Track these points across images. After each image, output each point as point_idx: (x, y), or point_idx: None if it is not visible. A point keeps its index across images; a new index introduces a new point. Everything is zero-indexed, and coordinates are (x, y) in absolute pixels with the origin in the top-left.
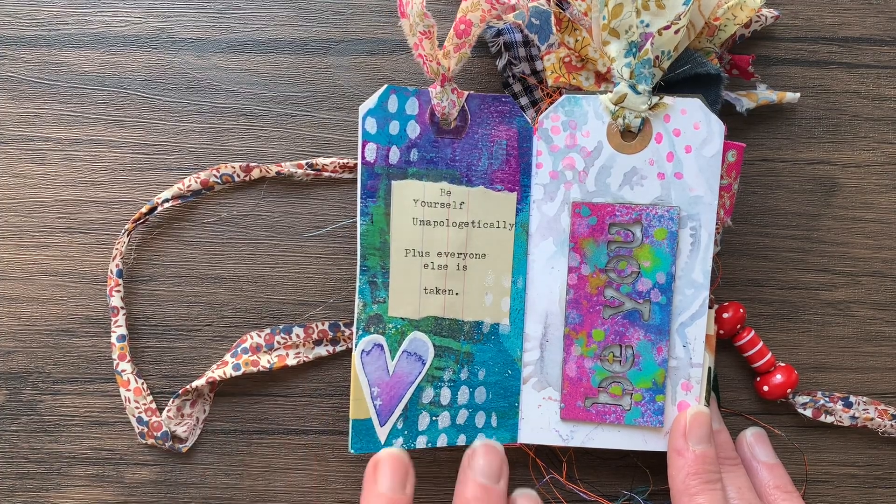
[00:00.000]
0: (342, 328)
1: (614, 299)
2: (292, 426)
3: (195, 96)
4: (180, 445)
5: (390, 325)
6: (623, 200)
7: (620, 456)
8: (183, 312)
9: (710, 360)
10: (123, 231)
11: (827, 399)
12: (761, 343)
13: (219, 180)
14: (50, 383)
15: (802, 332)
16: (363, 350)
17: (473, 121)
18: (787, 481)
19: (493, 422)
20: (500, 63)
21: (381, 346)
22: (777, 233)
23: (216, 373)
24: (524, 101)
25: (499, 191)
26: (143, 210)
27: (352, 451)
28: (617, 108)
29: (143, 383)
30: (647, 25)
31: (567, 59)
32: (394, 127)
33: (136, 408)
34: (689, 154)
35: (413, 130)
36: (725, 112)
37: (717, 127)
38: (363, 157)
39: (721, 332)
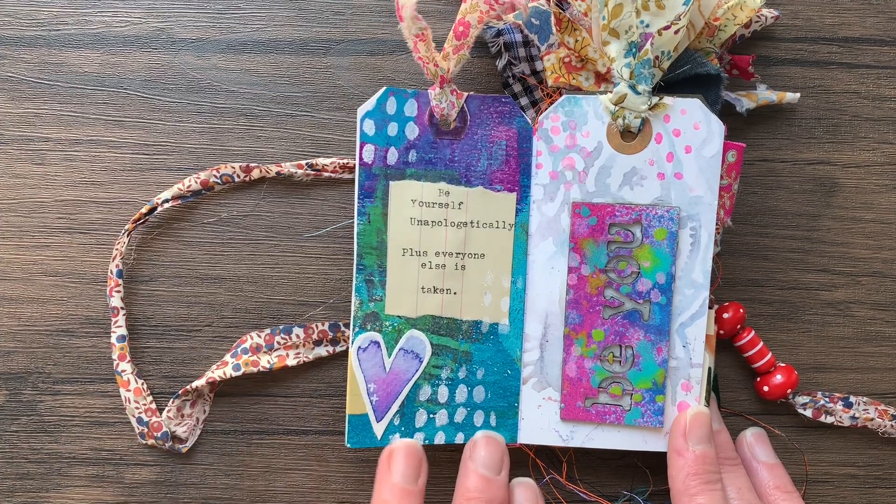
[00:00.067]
0: (342, 328)
1: (614, 299)
2: (292, 426)
3: (195, 96)
4: (180, 446)
5: (387, 323)
6: (623, 201)
7: (620, 456)
8: (183, 313)
9: (710, 361)
10: (123, 231)
11: (827, 399)
12: (761, 343)
13: (219, 180)
14: (50, 384)
15: (802, 332)
16: (360, 347)
17: (473, 121)
18: (788, 481)
19: (492, 421)
20: (500, 63)
21: (377, 343)
22: (777, 233)
23: (216, 373)
24: (524, 101)
25: (498, 191)
26: (143, 210)
27: (348, 445)
28: (617, 108)
29: (143, 384)
30: (647, 26)
31: (567, 60)
32: (392, 128)
33: (136, 408)
34: (689, 154)
35: (412, 132)
36: (725, 112)
37: (717, 127)
38: (361, 158)
39: (721, 332)
